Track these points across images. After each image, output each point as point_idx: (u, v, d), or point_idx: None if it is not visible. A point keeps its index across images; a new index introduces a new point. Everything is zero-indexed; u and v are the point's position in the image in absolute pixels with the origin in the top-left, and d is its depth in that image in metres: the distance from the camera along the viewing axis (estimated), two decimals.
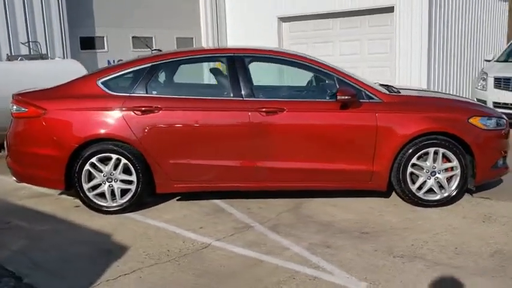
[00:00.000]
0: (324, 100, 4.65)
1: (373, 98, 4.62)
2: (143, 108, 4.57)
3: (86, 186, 4.65)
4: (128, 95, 4.64)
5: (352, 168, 4.65)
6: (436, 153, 4.62)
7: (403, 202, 4.84)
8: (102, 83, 4.70)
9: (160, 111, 4.57)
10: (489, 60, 10.47)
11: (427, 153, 4.63)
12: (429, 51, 9.78)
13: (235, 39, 12.44)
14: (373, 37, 10.52)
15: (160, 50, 5.34)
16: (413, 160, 4.62)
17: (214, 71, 5.23)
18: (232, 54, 4.76)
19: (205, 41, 12.36)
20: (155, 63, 4.76)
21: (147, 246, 3.97)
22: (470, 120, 4.65)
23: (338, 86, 4.61)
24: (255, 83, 4.90)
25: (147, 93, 4.70)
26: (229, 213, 4.71)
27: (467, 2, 11.21)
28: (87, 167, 4.61)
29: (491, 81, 9.26)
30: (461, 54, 11.24)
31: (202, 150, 4.61)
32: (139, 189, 4.65)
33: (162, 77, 4.96)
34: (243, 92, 4.62)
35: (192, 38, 12.35)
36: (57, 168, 4.63)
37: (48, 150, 4.62)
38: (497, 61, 10.15)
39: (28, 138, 4.71)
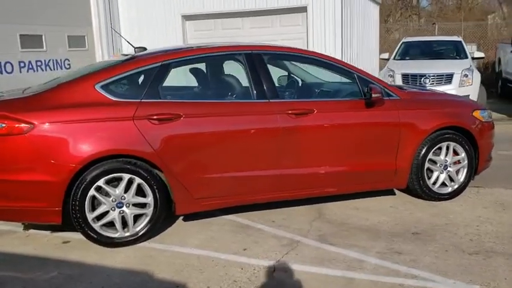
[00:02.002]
0: (351, 99, 4.41)
1: (392, 95, 4.53)
2: (161, 117, 3.82)
3: (90, 216, 3.75)
4: (139, 101, 3.84)
5: (379, 168, 4.51)
6: (447, 147, 4.72)
7: (412, 198, 4.86)
8: (103, 88, 3.82)
9: (180, 119, 3.87)
10: (387, 59, 11.27)
11: (439, 148, 4.70)
12: (342, 51, 10.13)
13: (132, 39, 11.45)
14: (285, 37, 10.52)
15: (145, 48, 4.54)
16: (430, 155, 4.66)
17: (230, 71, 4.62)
18: (250, 52, 4.24)
19: (98, 40, 11.16)
20: (166, 61, 4.02)
21: (207, 280, 3.33)
22: (474, 114, 4.83)
23: (359, 84, 4.43)
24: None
25: (160, 98, 3.96)
26: (257, 228, 4.22)
27: (361, 5, 11.90)
28: (91, 192, 3.72)
29: (399, 78, 9.93)
30: (361, 54, 11.90)
31: (228, 160, 4.03)
32: (157, 212, 3.91)
33: (174, 78, 4.22)
34: (267, 93, 4.15)
35: (85, 36, 11.05)
36: (53, 197, 3.65)
37: (38, 175, 3.61)
38: (394, 59, 10.97)
39: (6, 163, 3.62)
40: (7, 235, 4.21)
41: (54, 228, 4.19)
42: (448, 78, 9.56)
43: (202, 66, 4.42)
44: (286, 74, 4.99)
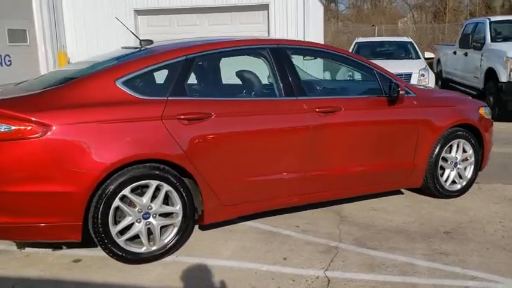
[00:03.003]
0: (375, 96, 4.26)
1: (409, 93, 4.45)
2: (191, 116, 3.44)
3: (114, 230, 3.29)
4: (166, 99, 3.43)
5: (399, 167, 4.40)
6: (457, 144, 4.73)
7: (421, 196, 4.81)
8: (124, 84, 3.37)
9: (211, 118, 3.51)
10: None
11: (451, 145, 4.69)
12: None
13: (78, 35, 10.67)
14: (245, 34, 10.28)
15: (152, 41, 4.09)
16: (443, 153, 4.63)
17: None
18: (276, 46, 3.95)
19: (41, 35, 10.26)
20: (190, 55, 3.62)
21: None
22: (480, 111, 4.88)
23: (379, 81, 4.29)
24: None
25: (187, 95, 3.57)
26: (285, 235, 3.94)
27: (315, 5, 11.94)
28: (116, 202, 3.26)
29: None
30: None
31: (259, 162, 3.73)
32: (186, 222, 3.52)
33: (200, 73, 3.82)
34: (294, 90, 3.90)
35: (26, 31, 10.10)
36: (73, 210, 3.15)
37: (55, 185, 3.10)
38: None
39: (18, 172, 3.05)
40: (1, 256, 3.61)
41: (50, 246, 3.66)
42: (407, 77, 9.79)
43: (227, 60, 4.07)
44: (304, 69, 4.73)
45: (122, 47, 4.38)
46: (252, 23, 10.24)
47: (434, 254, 3.59)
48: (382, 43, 11.91)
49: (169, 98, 3.44)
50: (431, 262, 3.45)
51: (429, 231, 4.01)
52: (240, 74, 4.19)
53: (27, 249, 3.70)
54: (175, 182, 3.41)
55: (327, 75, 4.78)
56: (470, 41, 10.72)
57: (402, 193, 4.95)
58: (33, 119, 3.04)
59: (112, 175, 3.22)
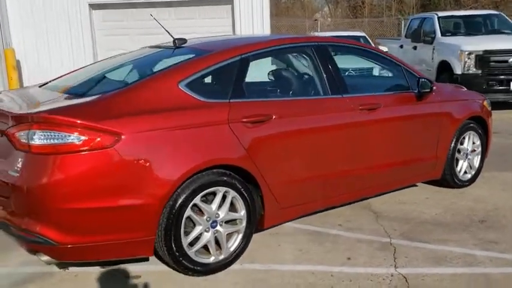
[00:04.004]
0: (406, 92, 4.33)
1: None
2: (254, 119, 3.30)
3: (185, 241, 3.09)
4: (228, 101, 3.27)
5: (424, 160, 4.53)
6: (469, 136, 4.95)
7: (434, 187, 4.98)
8: (187, 87, 3.16)
9: (271, 120, 3.39)
10: None
11: (464, 137, 4.90)
12: None
13: (26, 32, 9.88)
14: (208, 30, 10.04)
15: (185, 40, 3.86)
16: (458, 145, 4.83)
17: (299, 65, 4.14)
18: (317, 43, 3.88)
19: None
20: (245, 55, 3.46)
21: None
22: (484, 103, 5.14)
23: (406, 77, 4.38)
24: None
25: (246, 97, 3.42)
26: (334, 234, 3.91)
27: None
28: (188, 212, 3.06)
29: None
30: None
31: (315, 162, 3.67)
32: (249, 227, 3.39)
33: (253, 73, 3.66)
34: (340, 88, 3.88)
35: None
36: (147, 223, 2.92)
37: (129, 199, 2.85)
38: None
39: (87, 186, 2.76)
40: (46, 280, 3.26)
41: (91, 264, 3.36)
42: (369, 72, 10.11)
43: (278, 59, 3.95)
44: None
45: (150, 46, 4.12)
46: (216, 17, 10.03)
47: (484, 243, 3.73)
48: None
49: (231, 101, 3.28)
50: (488, 251, 3.59)
51: (464, 221, 4.16)
52: (283, 73, 4.09)
53: (71, 269, 3.39)
54: (240, 187, 3.27)
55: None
56: (421, 35, 11.24)
57: (416, 185, 5.10)
58: (103, 127, 2.77)
59: (183, 183, 3.02)
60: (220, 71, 3.37)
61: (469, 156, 5.00)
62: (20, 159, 2.79)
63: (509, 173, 5.48)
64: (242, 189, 3.28)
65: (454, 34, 10.98)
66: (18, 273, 3.34)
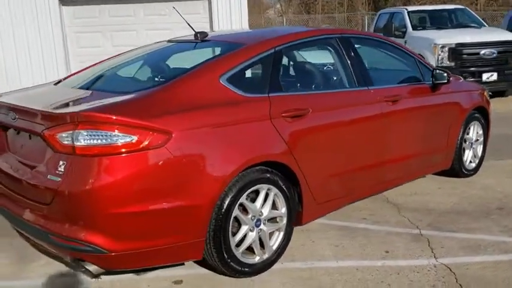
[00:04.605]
0: (423, 83, 4.34)
1: None
2: (293, 113, 3.21)
3: (233, 241, 2.97)
4: (267, 96, 3.16)
5: (439, 150, 4.59)
6: (474, 125, 5.05)
7: (441, 177, 5.05)
8: (228, 81, 3.03)
9: (308, 114, 3.31)
10: None
11: (469, 127, 4.99)
12: None
13: None
14: (184, 26, 9.80)
15: (206, 33, 3.71)
16: (464, 135, 4.92)
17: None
18: (341, 35, 3.83)
19: None
20: (278, 47, 3.36)
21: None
22: (485, 93, 5.26)
23: (420, 68, 4.41)
24: None
25: (283, 90, 3.32)
26: (362, 228, 3.88)
27: None
28: (235, 212, 2.94)
29: None
30: None
31: (349, 155, 3.64)
32: (290, 225, 3.30)
33: (285, 66, 3.55)
34: (365, 80, 3.85)
35: None
36: (198, 225, 2.78)
37: (180, 200, 2.70)
38: None
39: (140, 188, 2.58)
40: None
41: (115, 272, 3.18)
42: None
43: (307, 51, 3.87)
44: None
45: (168, 41, 3.95)
46: (191, 13, 9.79)
47: (509, 230, 3.80)
48: None
49: (270, 95, 3.17)
50: None
51: (483, 209, 4.23)
52: (314, 65, 4.00)
53: (104, 277, 3.18)
54: (282, 184, 3.18)
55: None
56: (393, 30, 11.44)
57: (424, 177, 5.14)
58: (154, 126, 2.60)
59: (231, 182, 2.89)
60: (257, 64, 3.26)
61: (473, 146, 5.10)
62: (61, 162, 2.58)
63: (505, 161, 5.64)
64: (283, 186, 3.19)
65: (424, 28, 11.25)
66: (39, 285, 3.11)
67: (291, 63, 3.92)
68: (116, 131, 2.53)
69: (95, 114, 2.54)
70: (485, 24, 11.46)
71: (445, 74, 4.31)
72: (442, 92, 4.49)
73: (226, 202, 2.87)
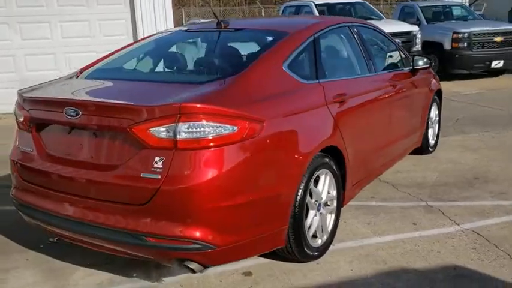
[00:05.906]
0: (406, 69, 4.66)
1: None
2: (341, 99, 3.33)
3: (306, 225, 3.01)
4: (318, 81, 3.23)
5: (417, 130, 5.01)
6: (434, 106, 5.59)
7: (409, 156, 5.52)
8: (289, 68, 3.04)
9: (350, 99, 3.46)
10: None
11: (430, 107, 5.51)
12: None
13: None
14: (103, 17, 9.26)
15: (228, 22, 3.59)
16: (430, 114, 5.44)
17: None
18: (351, 24, 4.06)
19: None
20: (317, 34, 3.43)
21: (456, 254, 3.25)
22: (437, 77, 5.82)
23: (402, 54, 4.77)
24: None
25: (327, 76, 3.41)
26: (380, 206, 4.13)
27: None
28: (307, 197, 2.98)
29: None
30: None
31: (377, 136, 3.97)
32: (338, 207, 3.43)
33: (323, 52, 3.59)
34: (374, 66, 4.09)
35: None
36: (283, 212, 2.79)
37: (271, 189, 2.69)
38: None
39: (241, 179, 2.51)
40: None
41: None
42: None
43: (338, 38, 3.96)
44: None
45: (188, 30, 3.79)
46: (110, 4, 9.26)
47: (498, 194, 4.31)
48: None
49: (320, 81, 3.25)
50: (508, 201, 4.16)
51: (463, 180, 4.71)
52: (348, 50, 4.09)
53: (168, 278, 3.02)
54: (334, 168, 3.28)
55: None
56: None
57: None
58: (251, 116, 2.55)
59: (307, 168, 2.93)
60: (304, 51, 3.30)
61: (433, 125, 5.64)
62: (158, 158, 2.40)
63: (453, 137, 6.29)
64: (335, 169, 3.30)
65: None
66: None
67: (327, 50, 4.03)
68: (219, 122, 2.43)
69: (198, 106, 2.41)
70: (383, 16, 12.49)
71: (426, 59, 4.72)
72: (420, 76, 4.91)
73: (302, 188, 2.90)
